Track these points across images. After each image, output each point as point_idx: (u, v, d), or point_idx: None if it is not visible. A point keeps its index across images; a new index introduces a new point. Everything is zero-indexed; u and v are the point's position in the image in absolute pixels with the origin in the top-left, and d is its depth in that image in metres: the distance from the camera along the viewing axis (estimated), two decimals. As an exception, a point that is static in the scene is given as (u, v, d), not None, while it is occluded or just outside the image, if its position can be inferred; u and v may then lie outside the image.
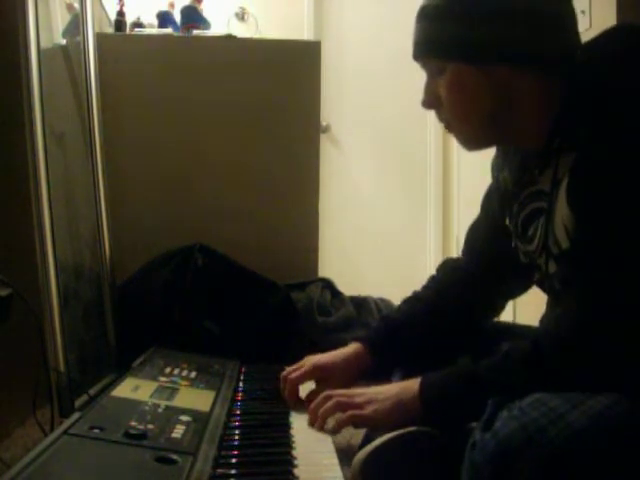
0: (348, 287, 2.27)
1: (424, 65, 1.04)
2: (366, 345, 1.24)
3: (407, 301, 1.31)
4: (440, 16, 0.98)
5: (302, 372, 1.24)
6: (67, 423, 0.90)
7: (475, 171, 3.34)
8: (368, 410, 1.01)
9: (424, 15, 1.01)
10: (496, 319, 1.30)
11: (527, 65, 0.96)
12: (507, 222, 1.13)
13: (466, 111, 1.01)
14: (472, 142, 1.06)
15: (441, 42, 0.99)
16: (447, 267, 1.32)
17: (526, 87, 0.97)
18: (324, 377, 1.23)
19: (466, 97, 1.00)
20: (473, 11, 0.95)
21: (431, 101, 1.04)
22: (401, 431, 0.96)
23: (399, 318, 1.27)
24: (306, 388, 1.25)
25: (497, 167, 1.18)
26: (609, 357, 0.85)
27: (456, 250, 3.71)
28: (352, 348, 1.25)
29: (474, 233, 1.28)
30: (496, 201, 1.19)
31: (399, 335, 1.23)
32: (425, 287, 1.31)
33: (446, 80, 1.00)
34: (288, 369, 1.27)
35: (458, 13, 0.96)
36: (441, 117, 1.06)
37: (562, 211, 0.94)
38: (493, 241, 1.20)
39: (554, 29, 0.96)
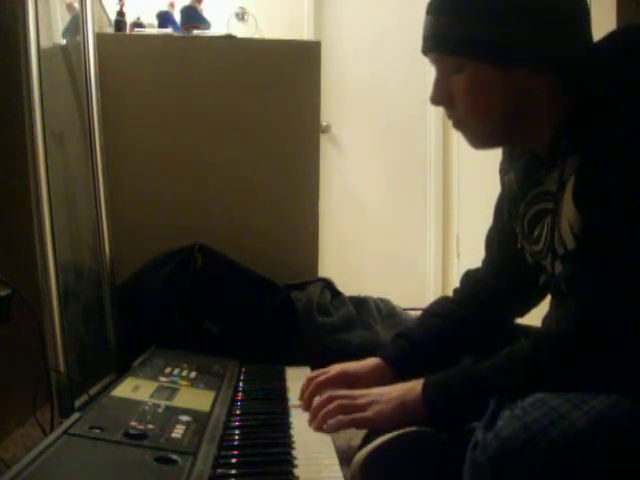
0: (348, 287, 2.27)
1: (437, 61, 1.01)
2: (389, 364, 1.23)
3: (426, 317, 1.29)
4: (460, 12, 0.95)
5: (328, 376, 1.22)
6: (67, 423, 0.90)
7: (475, 171, 3.34)
8: (371, 412, 1.01)
9: (440, 8, 0.98)
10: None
11: (545, 66, 0.95)
12: (514, 224, 1.13)
13: (484, 110, 0.99)
14: (484, 140, 1.04)
15: (462, 40, 0.96)
16: (469, 279, 1.30)
17: (540, 88, 0.96)
18: (349, 384, 1.20)
19: (484, 96, 0.98)
20: (496, 9, 0.93)
21: (442, 98, 1.02)
22: (401, 431, 0.96)
23: (420, 337, 1.25)
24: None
25: (504, 170, 1.18)
26: (610, 357, 0.85)
27: (456, 250, 3.71)
28: (375, 362, 1.24)
29: (489, 241, 1.26)
30: (506, 206, 1.18)
31: (421, 354, 1.22)
32: (447, 301, 1.30)
33: (465, 78, 0.97)
34: (314, 372, 1.26)
35: (480, 10, 0.93)
36: (450, 114, 1.04)
37: (568, 211, 0.94)
38: (507, 248, 1.18)
39: (573, 29, 0.95)
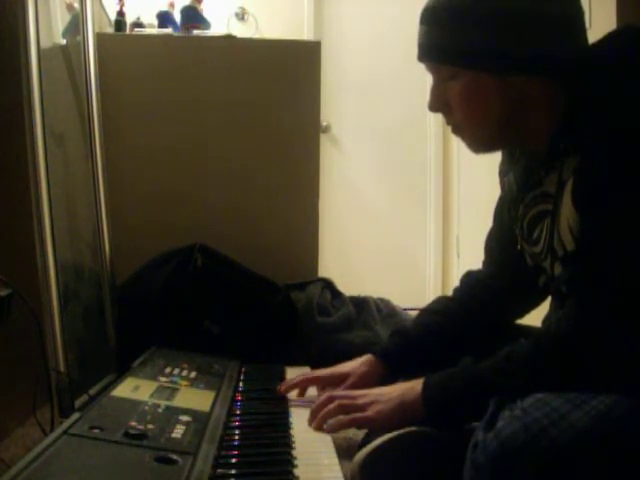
0: (348, 287, 2.27)
1: (432, 69, 1.02)
2: (383, 360, 1.23)
3: (425, 314, 1.29)
4: (452, 22, 0.95)
5: (320, 374, 1.24)
6: (67, 423, 0.90)
7: (475, 171, 3.34)
8: (371, 412, 1.01)
9: (433, 19, 0.98)
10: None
11: (541, 69, 0.95)
12: (513, 225, 1.13)
13: (480, 117, 1.00)
14: (483, 145, 1.05)
15: (455, 49, 0.96)
16: (469, 279, 1.30)
17: (538, 91, 0.97)
18: (340, 381, 1.21)
19: (481, 103, 0.98)
20: (490, 18, 0.93)
21: (439, 105, 1.03)
22: (401, 431, 0.96)
23: (417, 333, 1.25)
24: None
25: (503, 172, 1.18)
26: (610, 357, 0.85)
27: (456, 250, 3.71)
28: (367, 357, 1.24)
29: (489, 243, 1.27)
30: (506, 208, 1.18)
31: (417, 350, 1.22)
32: (446, 299, 1.30)
33: (461, 86, 0.98)
34: (311, 372, 1.29)
35: (473, 20, 0.93)
36: (449, 120, 1.04)
37: (567, 212, 0.94)
38: (507, 250, 1.18)
39: (567, 31, 0.95)
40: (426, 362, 1.14)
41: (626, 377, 0.84)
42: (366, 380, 1.19)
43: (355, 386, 1.17)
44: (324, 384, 1.24)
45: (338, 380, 1.22)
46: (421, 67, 1.06)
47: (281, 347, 1.81)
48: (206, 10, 2.79)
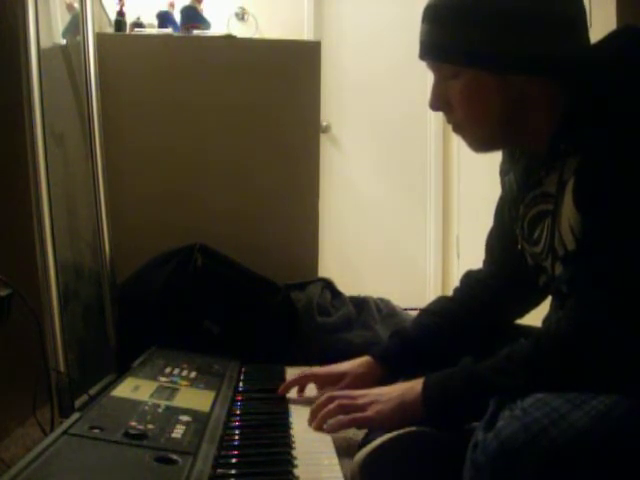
0: (348, 287, 2.27)
1: (433, 67, 1.02)
2: (381, 361, 1.23)
3: (424, 314, 1.29)
4: (454, 20, 0.95)
5: (317, 372, 1.24)
6: (67, 423, 0.90)
7: (475, 171, 3.34)
8: (370, 412, 1.01)
9: (435, 17, 0.98)
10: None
11: (542, 71, 0.95)
12: (514, 225, 1.13)
13: (481, 115, 1.00)
14: (483, 144, 1.05)
15: (457, 48, 0.96)
16: (469, 279, 1.30)
17: (539, 91, 0.97)
18: (337, 380, 1.22)
19: (481, 102, 0.99)
20: (491, 18, 0.93)
21: (440, 103, 1.03)
22: (401, 431, 0.96)
23: (416, 334, 1.25)
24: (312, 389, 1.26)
25: (504, 171, 1.18)
26: (610, 357, 0.85)
27: (456, 250, 3.71)
28: (365, 359, 1.25)
29: (490, 242, 1.27)
30: (506, 208, 1.18)
31: (416, 351, 1.22)
32: (446, 300, 1.30)
33: (462, 85, 0.98)
34: (310, 369, 1.30)
35: (475, 19, 0.94)
36: (450, 119, 1.05)
37: (568, 212, 0.94)
38: (508, 249, 1.18)
39: (568, 31, 0.95)
40: (425, 363, 1.14)
41: (626, 377, 0.84)
42: (363, 381, 1.19)
43: (352, 387, 1.17)
44: (321, 382, 1.25)
45: (335, 379, 1.22)
46: (421, 67, 1.06)
47: (281, 347, 1.81)
48: (206, 10, 2.79)
